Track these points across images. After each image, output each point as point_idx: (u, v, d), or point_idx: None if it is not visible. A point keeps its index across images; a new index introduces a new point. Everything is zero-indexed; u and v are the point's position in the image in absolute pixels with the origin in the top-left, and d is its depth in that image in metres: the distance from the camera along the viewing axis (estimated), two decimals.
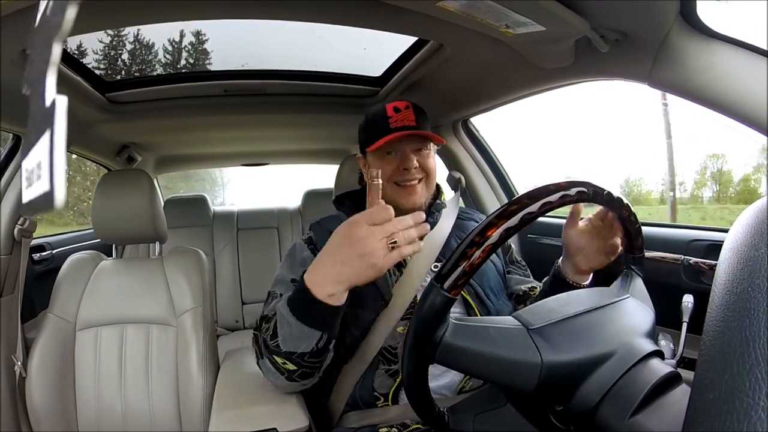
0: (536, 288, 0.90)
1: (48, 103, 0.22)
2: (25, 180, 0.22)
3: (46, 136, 0.21)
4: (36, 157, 0.22)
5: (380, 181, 0.61)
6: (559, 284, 0.78)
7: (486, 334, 0.46)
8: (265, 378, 0.75)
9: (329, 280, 0.59)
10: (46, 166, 0.21)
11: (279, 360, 0.68)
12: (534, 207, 0.45)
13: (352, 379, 0.80)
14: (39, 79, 0.22)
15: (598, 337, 0.47)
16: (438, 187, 0.95)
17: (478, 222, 0.94)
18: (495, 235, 0.45)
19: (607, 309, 0.51)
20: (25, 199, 0.22)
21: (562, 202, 0.47)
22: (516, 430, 0.50)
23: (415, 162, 0.84)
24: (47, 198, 0.21)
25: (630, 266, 0.59)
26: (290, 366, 0.67)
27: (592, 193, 0.51)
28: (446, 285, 0.45)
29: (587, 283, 0.78)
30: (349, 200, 0.94)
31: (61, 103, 0.21)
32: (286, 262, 0.85)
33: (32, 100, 0.23)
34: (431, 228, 0.87)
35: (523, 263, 0.99)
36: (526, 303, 0.86)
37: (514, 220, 0.45)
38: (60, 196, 0.20)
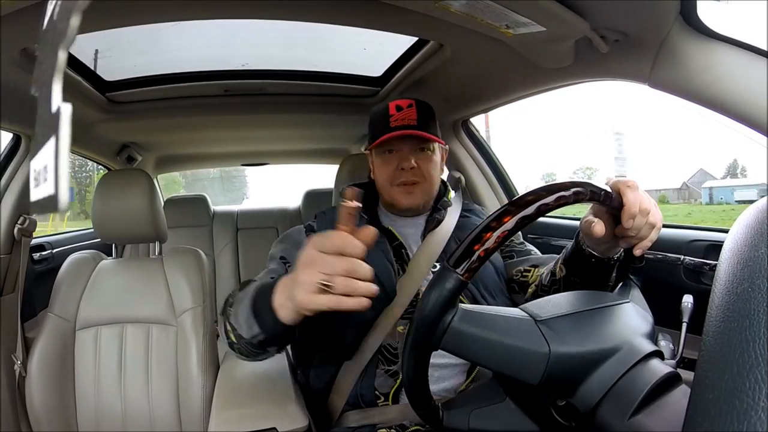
0: (533, 271, 0.82)
1: (54, 108, 0.23)
2: (33, 180, 0.24)
3: (52, 141, 0.22)
4: (43, 160, 0.23)
5: (354, 204, 0.48)
6: (583, 260, 0.66)
7: (494, 322, 0.46)
8: (265, 376, 0.74)
9: (285, 291, 0.53)
10: (51, 170, 0.22)
11: (228, 326, 0.68)
12: (550, 199, 0.46)
13: (352, 377, 0.80)
14: (46, 83, 0.23)
15: (602, 332, 0.48)
16: (445, 184, 0.94)
17: (480, 218, 0.92)
18: (511, 222, 0.44)
19: (610, 309, 0.51)
20: (33, 198, 0.23)
21: (576, 199, 0.48)
22: (513, 427, 0.50)
23: (412, 162, 0.82)
24: (52, 200, 0.22)
25: (629, 276, 0.60)
26: (232, 337, 0.67)
27: (603, 195, 0.51)
28: (460, 268, 0.44)
29: (611, 255, 0.64)
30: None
31: (66, 110, 0.22)
32: (281, 242, 0.87)
33: (40, 102, 0.24)
34: (436, 226, 0.86)
35: (527, 247, 0.93)
36: (526, 292, 0.82)
37: (530, 210, 0.45)
38: (63, 199, 0.22)
